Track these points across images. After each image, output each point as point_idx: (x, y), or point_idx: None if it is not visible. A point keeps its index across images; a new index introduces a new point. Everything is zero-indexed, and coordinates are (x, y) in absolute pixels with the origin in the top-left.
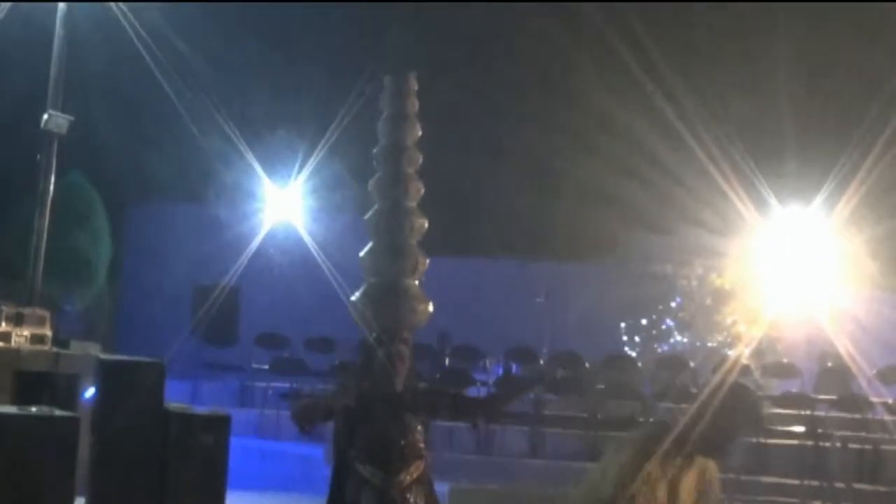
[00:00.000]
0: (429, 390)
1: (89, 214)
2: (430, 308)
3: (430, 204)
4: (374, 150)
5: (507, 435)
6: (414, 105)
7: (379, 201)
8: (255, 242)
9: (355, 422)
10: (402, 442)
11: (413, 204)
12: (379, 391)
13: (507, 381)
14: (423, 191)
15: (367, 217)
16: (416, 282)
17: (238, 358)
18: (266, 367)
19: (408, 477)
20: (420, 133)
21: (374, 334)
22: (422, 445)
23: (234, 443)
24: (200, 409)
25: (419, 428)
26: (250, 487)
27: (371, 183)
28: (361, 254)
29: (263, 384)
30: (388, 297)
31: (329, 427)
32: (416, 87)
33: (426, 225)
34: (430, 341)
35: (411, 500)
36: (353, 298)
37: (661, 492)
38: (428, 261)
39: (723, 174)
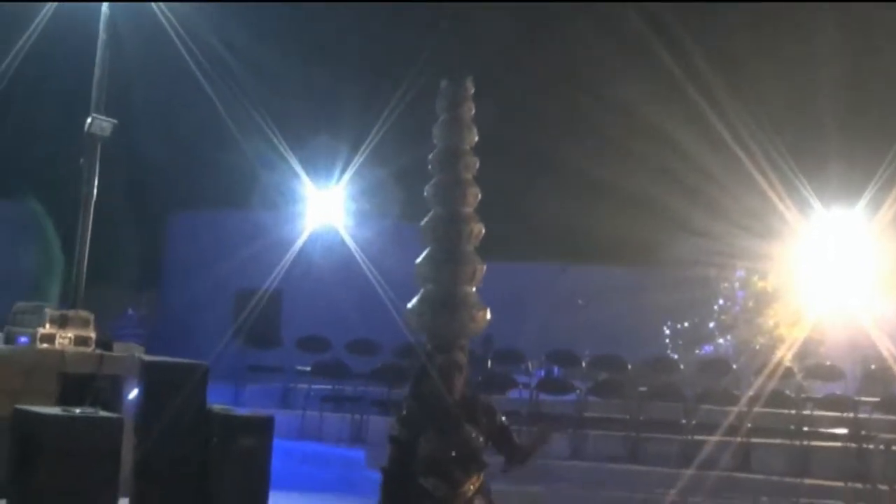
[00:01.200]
0: (487, 407)
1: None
2: (488, 315)
3: (474, 210)
4: (430, 156)
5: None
6: (470, 109)
7: (435, 207)
8: (297, 246)
9: (416, 434)
10: (464, 452)
11: (470, 210)
12: (438, 401)
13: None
14: (479, 196)
15: (423, 223)
16: (474, 289)
17: (280, 360)
18: (308, 369)
19: (471, 487)
20: (476, 138)
21: (430, 343)
22: (482, 455)
23: (277, 445)
24: (243, 411)
25: (479, 438)
26: (292, 489)
27: (427, 188)
28: (418, 261)
29: (305, 386)
30: (445, 305)
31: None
32: (472, 92)
33: (483, 231)
34: (474, 345)
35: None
36: (409, 306)
37: None
38: (485, 267)
39: (765, 177)
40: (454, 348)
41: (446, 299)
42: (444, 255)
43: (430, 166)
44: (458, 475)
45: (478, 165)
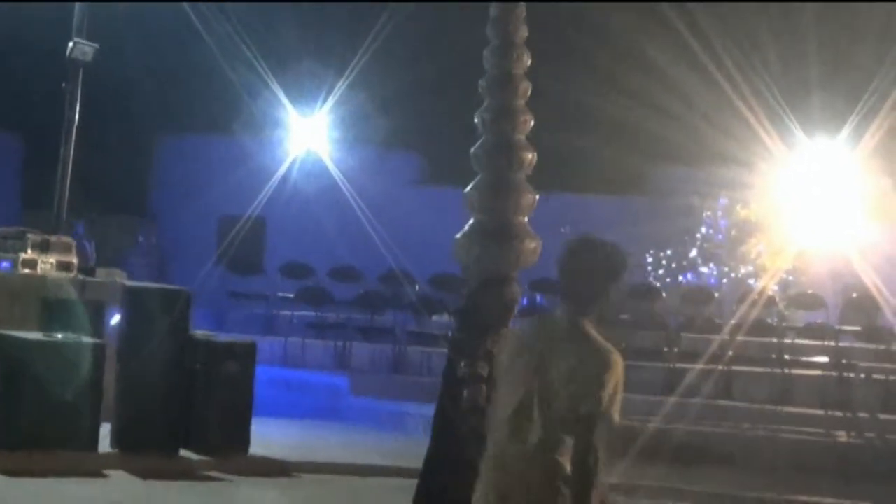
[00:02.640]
0: None
1: None
2: (540, 246)
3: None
4: (481, 81)
5: None
6: (523, 33)
7: (486, 134)
8: (280, 172)
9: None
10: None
11: (522, 137)
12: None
13: None
14: (532, 123)
15: (473, 150)
16: (525, 219)
17: (263, 287)
18: (291, 296)
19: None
20: (529, 62)
21: (479, 277)
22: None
23: (260, 371)
24: (226, 338)
25: None
26: (275, 415)
27: (477, 115)
28: (467, 189)
29: (288, 313)
30: (496, 236)
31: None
32: (524, 15)
33: (535, 159)
34: (456, 272)
35: None
36: (457, 237)
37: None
38: (538, 197)
39: (749, 106)
40: (507, 281)
41: (498, 230)
42: (495, 184)
43: (480, 91)
44: None
45: (530, 91)
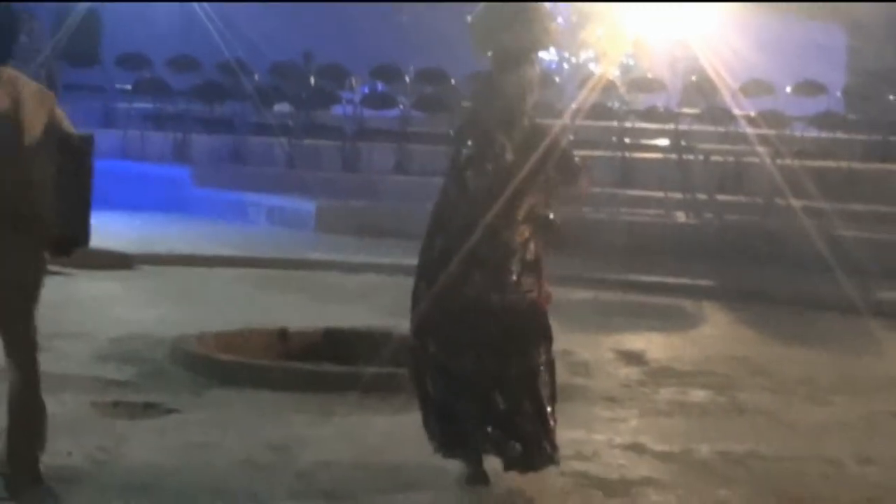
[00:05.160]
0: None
1: None
2: (560, 27)
3: None
4: None
5: (374, 152)
6: None
7: None
8: None
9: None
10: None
11: None
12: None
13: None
14: None
15: None
16: None
17: (99, 79)
18: (129, 87)
19: (526, 232)
20: None
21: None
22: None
23: (100, 165)
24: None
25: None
26: (118, 209)
27: None
28: None
29: (126, 105)
30: (516, 14)
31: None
32: None
33: None
34: (294, 58)
35: (531, 247)
36: (469, 18)
37: None
38: None
39: None
40: (526, 62)
41: (516, 7)
42: None
43: None
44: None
45: None
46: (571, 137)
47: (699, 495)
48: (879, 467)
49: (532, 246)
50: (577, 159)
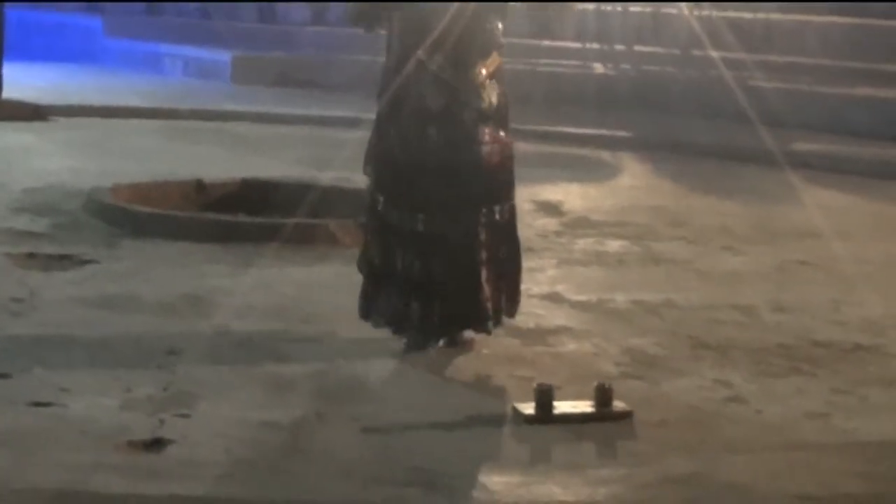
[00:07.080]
0: None
1: None
2: None
3: None
4: None
5: (290, 3)
6: None
7: None
8: None
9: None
10: (479, 34)
11: None
12: None
13: None
14: None
15: None
16: None
17: None
18: None
19: (483, 70)
20: None
21: None
22: (501, 39)
23: (9, 14)
24: None
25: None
26: (28, 61)
27: None
28: None
29: None
30: None
31: None
32: None
33: None
34: None
35: (485, 96)
36: None
37: None
38: None
39: None
40: None
41: None
42: None
43: None
44: (472, 56)
45: None
46: None
47: (615, 342)
48: (791, 314)
49: None
50: None
